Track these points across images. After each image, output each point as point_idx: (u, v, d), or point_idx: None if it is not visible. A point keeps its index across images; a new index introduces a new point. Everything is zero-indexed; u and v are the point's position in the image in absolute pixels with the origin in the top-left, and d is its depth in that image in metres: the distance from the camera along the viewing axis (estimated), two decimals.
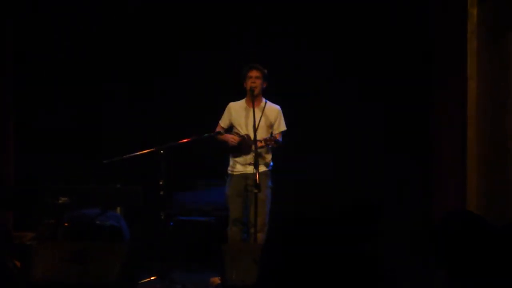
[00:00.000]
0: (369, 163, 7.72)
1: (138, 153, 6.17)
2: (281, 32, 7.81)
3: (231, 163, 6.40)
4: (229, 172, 6.40)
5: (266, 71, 6.30)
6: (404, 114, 7.66)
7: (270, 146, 6.17)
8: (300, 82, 7.80)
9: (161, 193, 6.13)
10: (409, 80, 7.62)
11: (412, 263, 5.68)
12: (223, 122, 6.47)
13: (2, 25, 7.41)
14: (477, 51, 6.36)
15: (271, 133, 6.30)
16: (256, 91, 6.23)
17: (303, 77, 7.83)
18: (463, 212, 3.13)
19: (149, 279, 6.05)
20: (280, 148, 6.33)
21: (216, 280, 6.08)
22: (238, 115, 6.40)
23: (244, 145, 6.26)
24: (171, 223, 7.18)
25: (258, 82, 6.25)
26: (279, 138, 6.27)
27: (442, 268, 2.47)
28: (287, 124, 6.41)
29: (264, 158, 6.26)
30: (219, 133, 6.39)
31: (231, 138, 6.32)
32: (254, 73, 6.26)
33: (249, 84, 6.25)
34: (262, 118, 6.26)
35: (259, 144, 6.06)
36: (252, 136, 6.11)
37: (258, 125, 6.15)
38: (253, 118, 6.07)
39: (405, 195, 7.47)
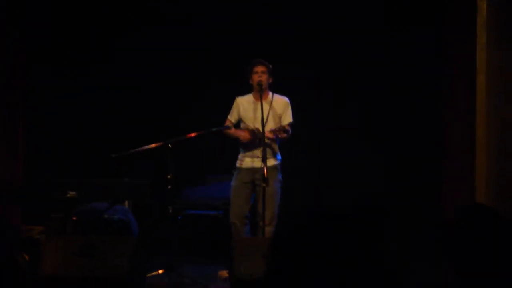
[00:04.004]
0: (379, 158, 7.71)
1: (146, 147, 6.18)
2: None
3: (239, 156, 6.39)
4: (237, 165, 6.39)
5: (271, 66, 6.30)
6: (414, 108, 7.65)
7: (280, 136, 6.15)
8: (306, 77, 7.82)
9: (169, 187, 6.13)
10: (419, 74, 7.61)
11: (421, 257, 5.67)
12: (232, 117, 6.46)
13: (15, 24, 7.40)
14: (487, 44, 6.33)
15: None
16: (263, 86, 6.23)
17: (309, 71, 7.84)
18: (475, 205, 3.12)
19: (157, 273, 6.06)
20: (288, 140, 6.30)
21: (224, 273, 6.08)
22: (246, 109, 6.40)
23: (254, 139, 6.24)
24: (179, 217, 7.19)
25: (265, 76, 6.25)
26: (288, 128, 6.24)
27: (452, 262, 2.46)
28: (298, 117, 6.39)
29: (272, 151, 6.25)
30: (227, 127, 6.39)
31: (242, 135, 6.30)
32: (259, 68, 6.26)
33: (255, 79, 6.25)
34: (270, 111, 6.26)
35: (268, 135, 6.06)
36: (261, 129, 6.10)
37: (267, 119, 6.14)
38: (261, 112, 6.07)
39: (415, 189, 7.46)
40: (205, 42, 7.87)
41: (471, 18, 6.45)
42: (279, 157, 6.35)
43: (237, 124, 6.46)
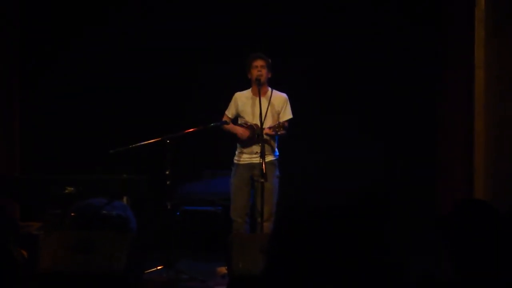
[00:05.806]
0: (377, 149, 7.70)
1: (145, 142, 6.17)
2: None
3: (237, 152, 6.37)
4: (235, 161, 6.37)
5: (270, 60, 6.27)
6: (411, 101, 7.66)
7: (279, 133, 6.13)
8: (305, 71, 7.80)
9: (168, 183, 6.12)
10: (417, 68, 7.61)
11: (418, 248, 5.67)
12: (230, 112, 6.43)
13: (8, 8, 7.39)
14: (485, 39, 6.32)
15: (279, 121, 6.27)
16: (262, 80, 6.19)
17: (307, 67, 7.83)
18: (472, 200, 3.12)
19: (155, 269, 6.06)
20: (286, 136, 6.29)
21: (223, 269, 6.07)
22: (244, 105, 6.37)
23: (253, 135, 6.20)
24: (178, 213, 7.18)
25: (264, 71, 6.21)
26: (286, 125, 6.23)
27: (450, 257, 2.45)
28: (295, 112, 6.37)
29: (270, 147, 6.24)
30: (225, 122, 6.36)
31: (241, 133, 6.26)
32: (259, 63, 6.22)
33: (254, 73, 6.21)
34: (269, 107, 6.22)
35: (267, 131, 6.04)
36: (259, 125, 6.07)
37: (265, 115, 6.11)
38: (259, 108, 6.04)
39: (412, 180, 7.46)
40: (205, 42, 7.84)
41: (469, 13, 6.45)
42: (277, 153, 6.33)
43: (235, 119, 6.44)
